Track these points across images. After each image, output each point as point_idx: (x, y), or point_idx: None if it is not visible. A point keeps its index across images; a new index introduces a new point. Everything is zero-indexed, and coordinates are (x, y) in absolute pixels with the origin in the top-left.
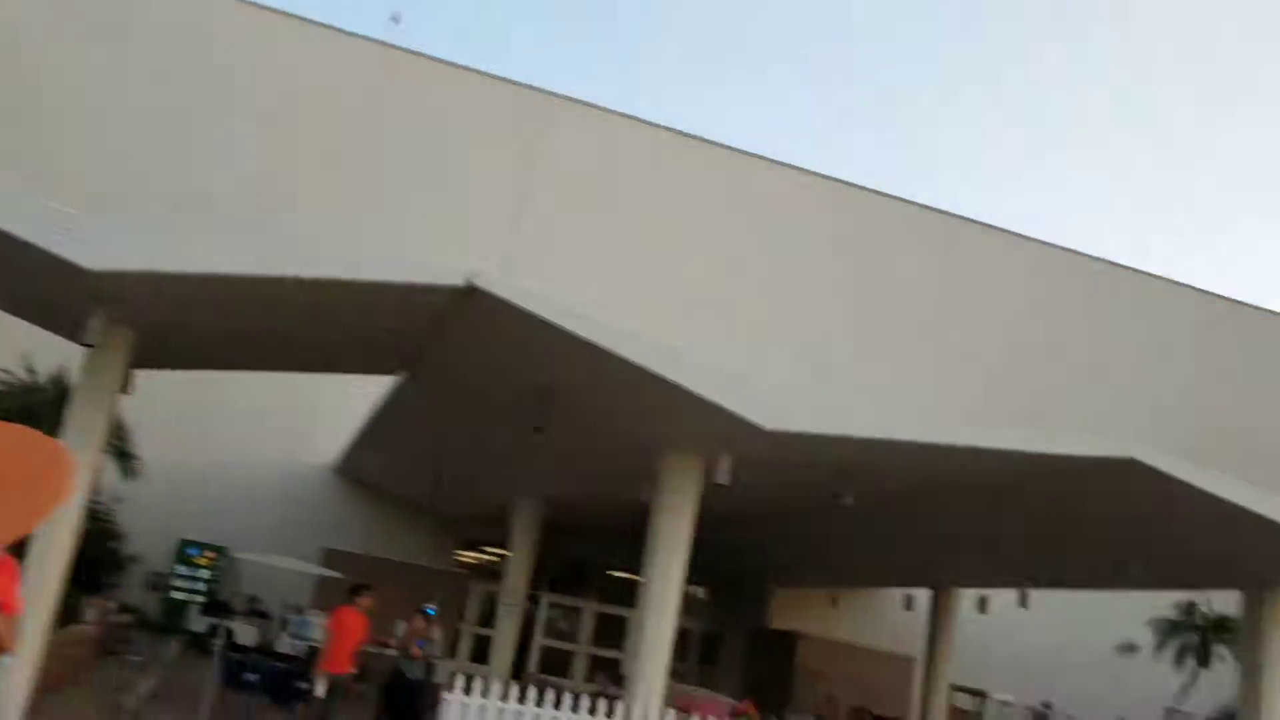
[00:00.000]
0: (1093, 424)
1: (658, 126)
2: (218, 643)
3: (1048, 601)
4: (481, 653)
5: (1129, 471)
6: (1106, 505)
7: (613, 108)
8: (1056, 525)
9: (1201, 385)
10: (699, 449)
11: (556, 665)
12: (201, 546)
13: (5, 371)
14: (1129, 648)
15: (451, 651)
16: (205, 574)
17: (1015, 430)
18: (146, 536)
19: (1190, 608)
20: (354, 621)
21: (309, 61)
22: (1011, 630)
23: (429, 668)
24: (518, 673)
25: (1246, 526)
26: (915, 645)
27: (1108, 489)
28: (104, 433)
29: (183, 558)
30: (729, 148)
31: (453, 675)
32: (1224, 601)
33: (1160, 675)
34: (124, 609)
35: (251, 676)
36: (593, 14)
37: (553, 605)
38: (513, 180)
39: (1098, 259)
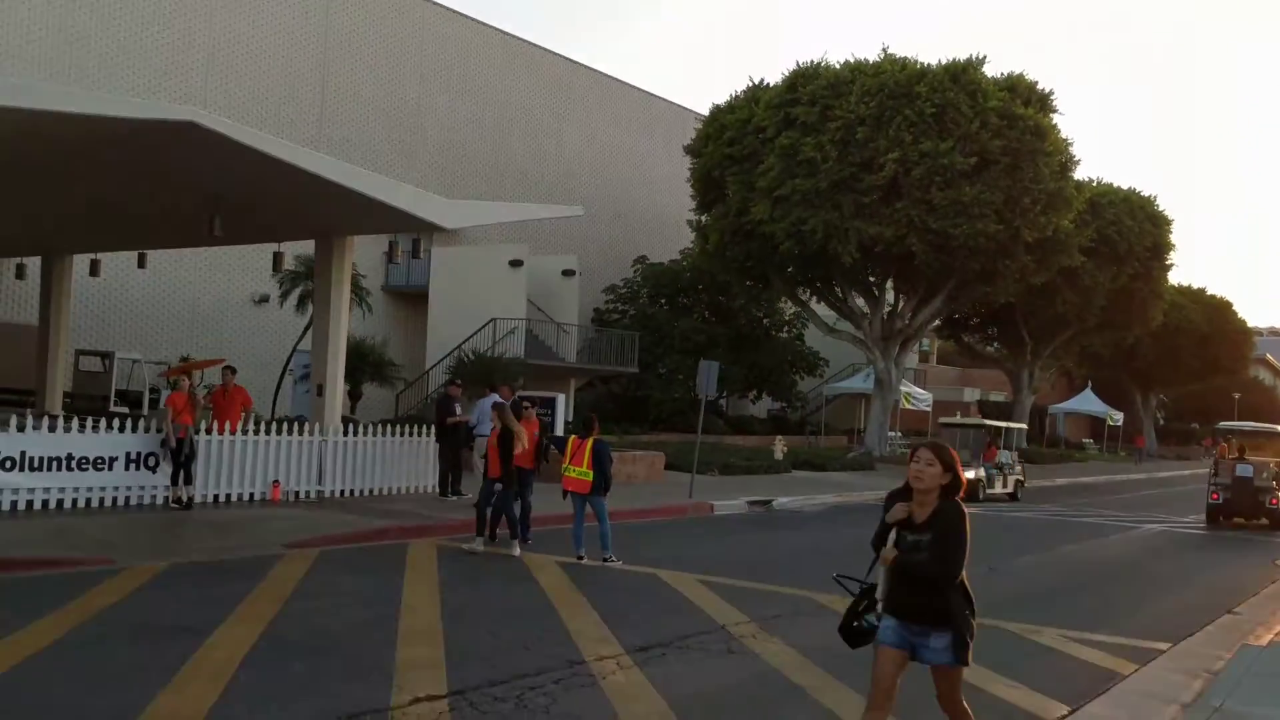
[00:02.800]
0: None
1: None
2: None
3: (175, 260)
4: None
5: (194, 135)
6: (185, 166)
7: None
8: (149, 189)
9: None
10: None
11: None
12: None
13: None
14: (262, 299)
15: None
16: None
17: (76, 93)
18: None
19: (278, 258)
20: None
21: None
22: (133, 290)
23: None
24: None
25: (311, 186)
26: (33, 313)
27: (184, 153)
28: None
29: None
30: None
31: None
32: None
33: (289, 319)
34: None
35: None
36: None
37: None
38: None
39: None
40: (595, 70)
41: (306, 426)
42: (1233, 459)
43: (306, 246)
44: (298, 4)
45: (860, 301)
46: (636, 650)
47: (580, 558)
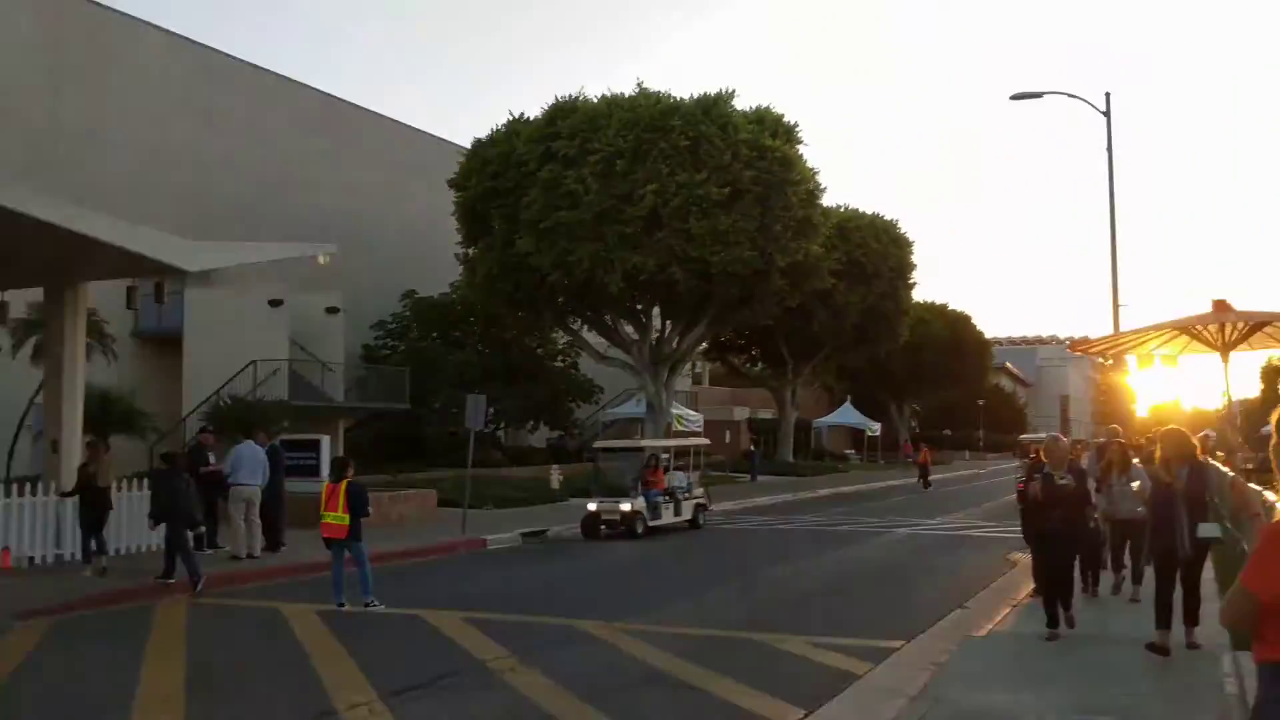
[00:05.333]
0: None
1: None
2: None
3: None
4: None
5: None
6: None
7: None
8: None
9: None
10: None
11: None
12: None
13: None
14: None
15: None
16: None
17: None
18: None
19: (3, 307)
20: None
21: None
22: None
23: None
24: None
25: (33, 230)
26: None
27: None
28: None
29: None
30: None
31: None
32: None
33: (25, 371)
34: None
35: None
36: None
37: None
38: None
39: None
40: (354, 104)
41: (40, 486)
42: (1031, 459)
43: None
44: (21, 37)
45: (629, 329)
46: (391, 694)
47: (340, 605)
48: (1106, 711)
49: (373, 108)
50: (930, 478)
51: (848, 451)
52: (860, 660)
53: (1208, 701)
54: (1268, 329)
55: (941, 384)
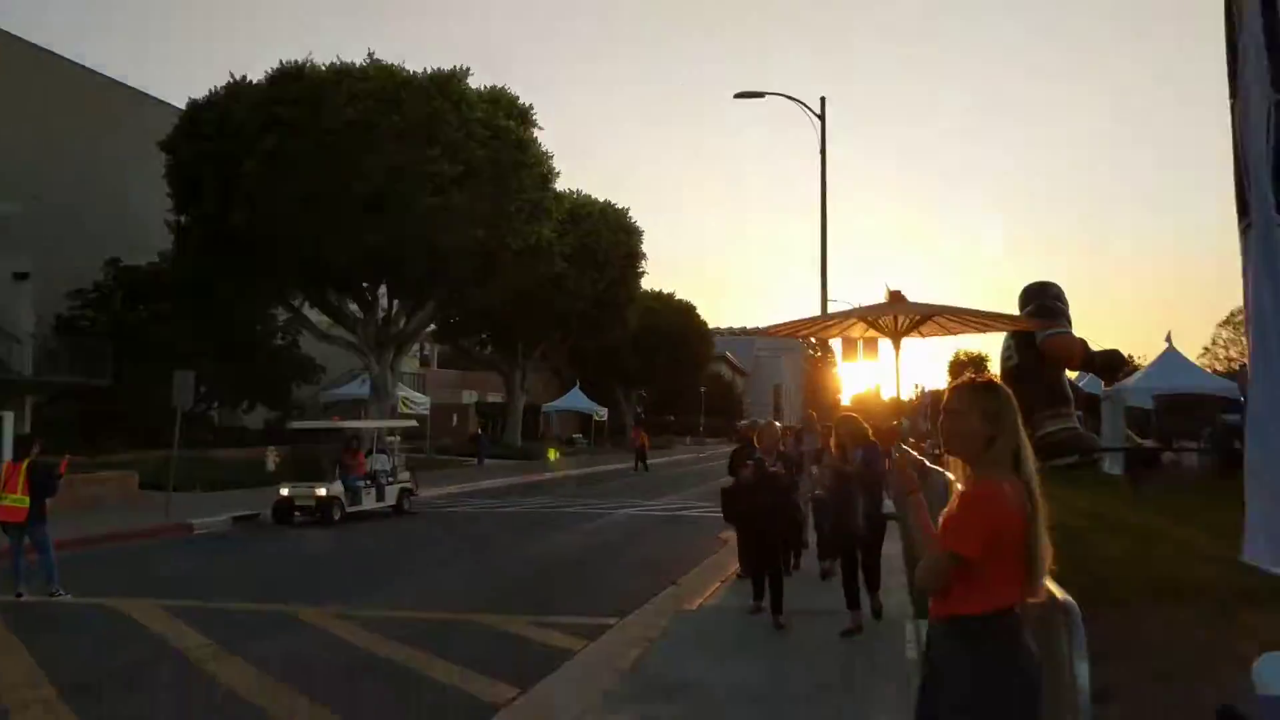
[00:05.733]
0: None
1: None
2: None
3: None
4: None
5: None
6: None
7: None
8: None
9: None
10: None
11: None
12: None
13: None
14: None
15: None
16: None
17: None
18: None
19: None
20: None
21: None
22: None
23: None
24: None
25: None
26: None
27: None
28: None
29: None
30: None
31: None
32: None
33: None
34: None
35: None
36: None
37: None
38: None
39: None
40: (47, 50)
41: None
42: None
43: None
44: None
45: (354, 307)
46: (74, 690)
47: (19, 595)
48: (801, 681)
49: (75, 58)
50: (648, 461)
51: (576, 436)
52: (578, 638)
53: (895, 669)
54: (936, 319)
55: (669, 372)
